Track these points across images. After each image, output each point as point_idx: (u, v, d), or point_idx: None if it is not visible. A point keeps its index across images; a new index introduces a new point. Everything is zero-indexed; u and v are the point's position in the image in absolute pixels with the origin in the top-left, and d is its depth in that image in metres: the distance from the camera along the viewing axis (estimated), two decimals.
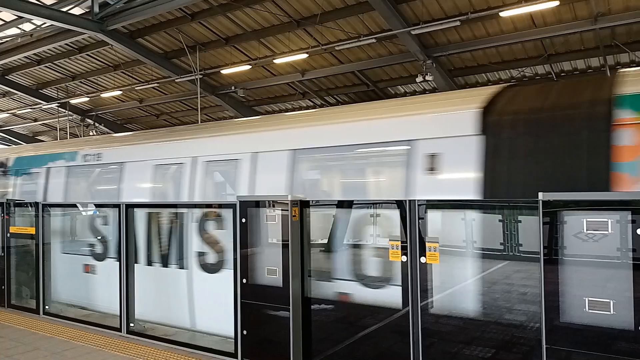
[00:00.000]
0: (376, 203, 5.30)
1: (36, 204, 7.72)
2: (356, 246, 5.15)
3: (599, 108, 4.54)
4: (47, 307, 7.52)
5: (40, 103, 26.88)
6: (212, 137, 7.73)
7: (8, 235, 8.11)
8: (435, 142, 5.21)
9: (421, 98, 8.53)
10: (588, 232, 3.69)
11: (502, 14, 13.63)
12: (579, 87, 5.17)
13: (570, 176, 4.56)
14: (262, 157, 6.67)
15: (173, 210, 6.54)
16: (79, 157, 9.29)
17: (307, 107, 23.18)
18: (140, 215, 6.53)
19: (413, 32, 15.19)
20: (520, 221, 4.27)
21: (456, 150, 5.09)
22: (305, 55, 17.57)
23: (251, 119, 10.17)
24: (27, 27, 19.46)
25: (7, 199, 8.39)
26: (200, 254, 6.04)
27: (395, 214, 4.65)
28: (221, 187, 7.47)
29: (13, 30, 19.79)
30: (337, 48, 16.60)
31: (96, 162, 8.93)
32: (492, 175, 4.88)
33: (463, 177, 5.06)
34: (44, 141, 33.06)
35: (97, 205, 7.56)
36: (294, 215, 5.10)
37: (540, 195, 3.86)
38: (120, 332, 6.43)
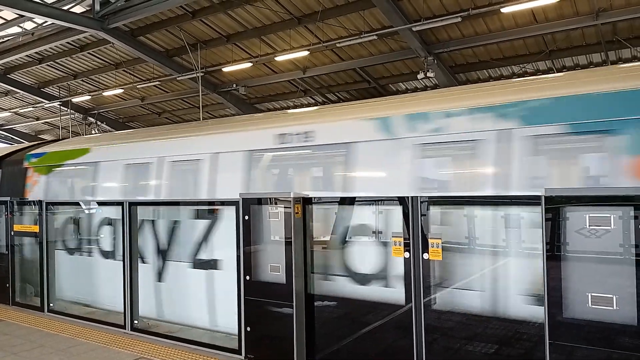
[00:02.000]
0: (379, 200, 5.32)
1: (40, 202, 7.76)
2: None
3: (22, 158, 9.65)
4: (51, 304, 7.56)
5: (42, 102, 26.93)
6: None
7: (12, 233, 8.15)
8: None
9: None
10: (590, 227, 3.69)
11: (503, 9, 13.60)
12: (24, 149, 10.48)
13: (17, 190, 9.65)
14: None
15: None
16: None
17: (309, 105, 23.18)
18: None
19: (414, 29, 15.16)
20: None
21: None
22: (306, 53, 17.57)
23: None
24: (29, 25, 19.49)
25: (10, 198, 8.43)
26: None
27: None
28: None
29: (14, 29, 19.82)
30: (338, 45, 16.59)
31: None
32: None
33: None
34: (44, 140, 33.05)
35: (101, 204, 7.60)
36: (297, 213, 5.12)
37: (543, 191, 3.86)
38: (125, 329, 6.48)
